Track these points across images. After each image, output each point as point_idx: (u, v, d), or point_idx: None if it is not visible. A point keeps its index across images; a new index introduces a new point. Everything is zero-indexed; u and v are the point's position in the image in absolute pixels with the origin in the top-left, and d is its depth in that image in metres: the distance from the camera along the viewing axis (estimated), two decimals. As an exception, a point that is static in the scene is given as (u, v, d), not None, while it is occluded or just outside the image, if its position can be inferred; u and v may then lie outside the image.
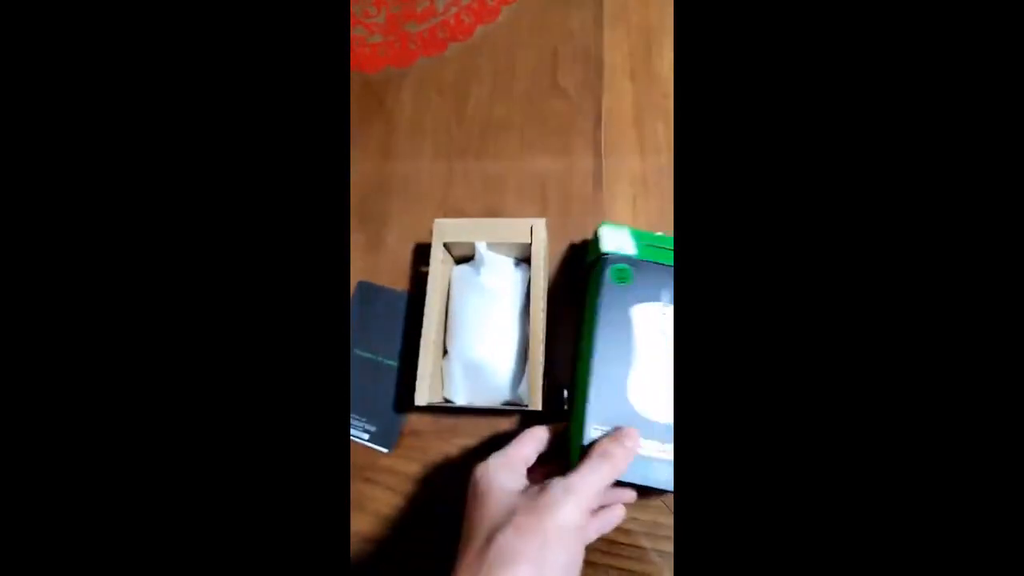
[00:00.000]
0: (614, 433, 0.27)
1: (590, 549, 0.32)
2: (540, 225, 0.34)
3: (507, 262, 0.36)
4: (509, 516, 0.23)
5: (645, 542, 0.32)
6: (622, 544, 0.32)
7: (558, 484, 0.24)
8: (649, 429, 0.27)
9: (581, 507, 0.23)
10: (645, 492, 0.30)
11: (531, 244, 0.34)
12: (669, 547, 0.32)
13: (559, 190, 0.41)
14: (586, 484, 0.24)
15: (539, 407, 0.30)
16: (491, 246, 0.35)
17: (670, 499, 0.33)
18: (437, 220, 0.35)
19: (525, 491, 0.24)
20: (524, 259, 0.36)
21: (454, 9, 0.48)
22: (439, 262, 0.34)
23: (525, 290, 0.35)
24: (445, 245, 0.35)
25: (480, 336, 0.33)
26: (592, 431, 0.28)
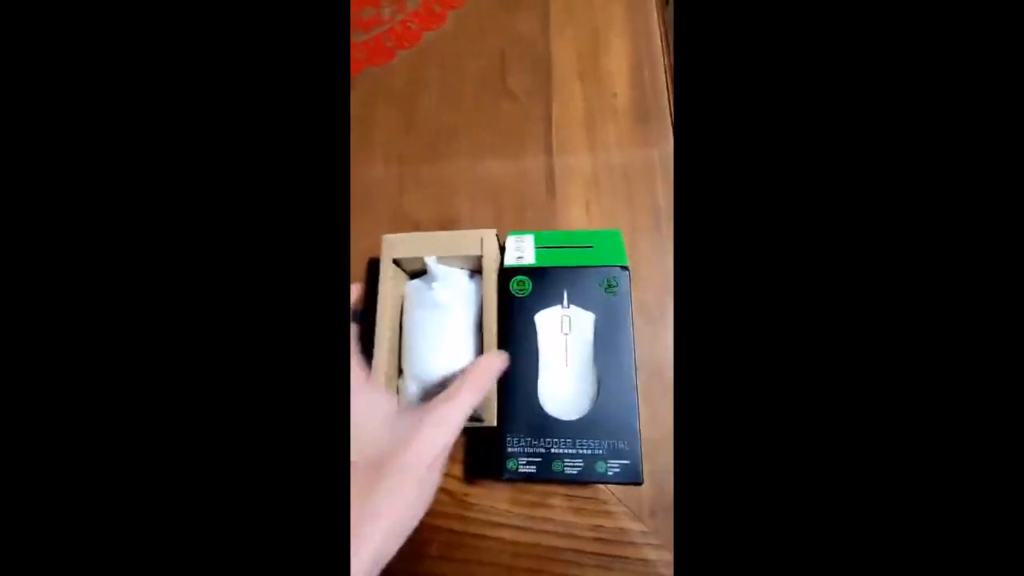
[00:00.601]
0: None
1: (590, 566, 0.32)
2: (490, 236, 0.33)
3: (461, 274, 0.35)
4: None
5: (651, 554, 0.31)
6: (627, 559, 0.32)
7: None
8: (561, 429, 0.28)
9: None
10: (562, 482, 0.32)
11: (482, 256, 0.33)
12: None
13: (513, 195, 0.40)
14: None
15: (494, 423, 0.30)
16: (443, 259, 0.34)
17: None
18: (385, 236, 0.34)
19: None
20: (478, 270, 0.35)
21: (400, 16, 0.48)
22: (389, 279, 0.33)
23: (479, 302, 0.34)
24: (395, 261, 0.34)
25: (435, 352, 0.33)
26: (511, 444, 0.28)
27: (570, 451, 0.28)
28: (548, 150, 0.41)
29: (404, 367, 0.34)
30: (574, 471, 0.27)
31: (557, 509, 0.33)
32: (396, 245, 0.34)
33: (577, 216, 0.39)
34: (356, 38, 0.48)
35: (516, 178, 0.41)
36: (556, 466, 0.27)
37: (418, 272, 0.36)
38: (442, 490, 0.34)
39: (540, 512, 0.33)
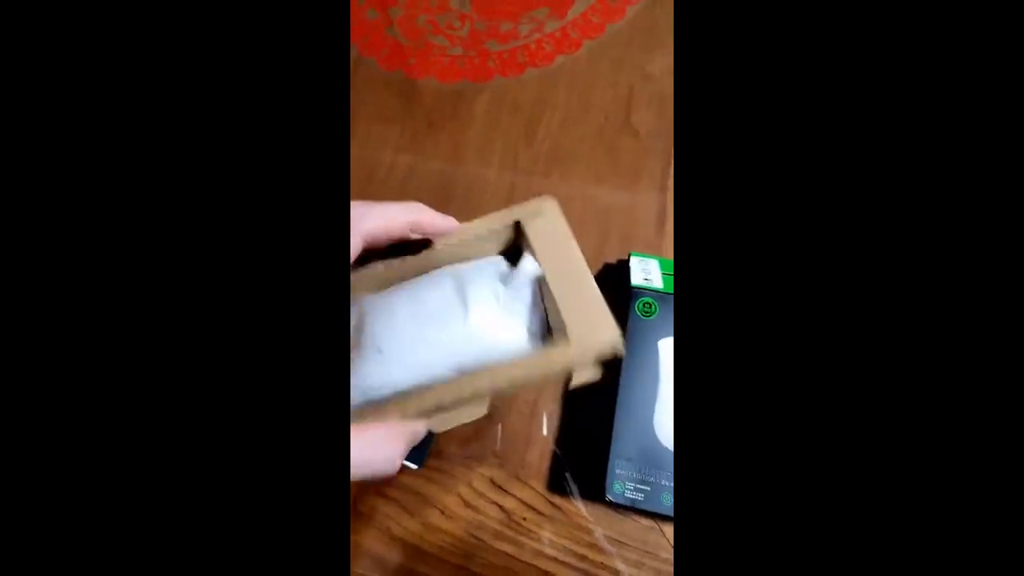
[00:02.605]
0: None
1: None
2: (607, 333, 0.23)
3: (533, 313, 0.26)
4: None
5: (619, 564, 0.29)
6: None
7: None
8: (673, 460, 0.27)
9: None
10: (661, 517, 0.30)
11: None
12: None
13: (620, 226, 0.40)
14: None
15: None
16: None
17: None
18: (548, 197, 0.26)
19: None
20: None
21: (537, 35, 0.49)
22: (482, 228, 0.26)
23: (502, 354, 0.25)
24: (518, 223, 0.26)
25: (411, 343, 0.26)
26: (618, 466, 0.27)
27: None
28: (663, 188, 0.41)
29: (374, 323, 0.26)
30: None
31: (617, 558, 0.31)
32: (538, 216, 0.24)
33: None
34: (491, 47, 0.49)
35: (627, 211, 0.41)
36: (665, 499, 0.26)
37: (510, 253, 0.27)
38: (499, 507, 0.33)
39: (599, 556, 0.31)
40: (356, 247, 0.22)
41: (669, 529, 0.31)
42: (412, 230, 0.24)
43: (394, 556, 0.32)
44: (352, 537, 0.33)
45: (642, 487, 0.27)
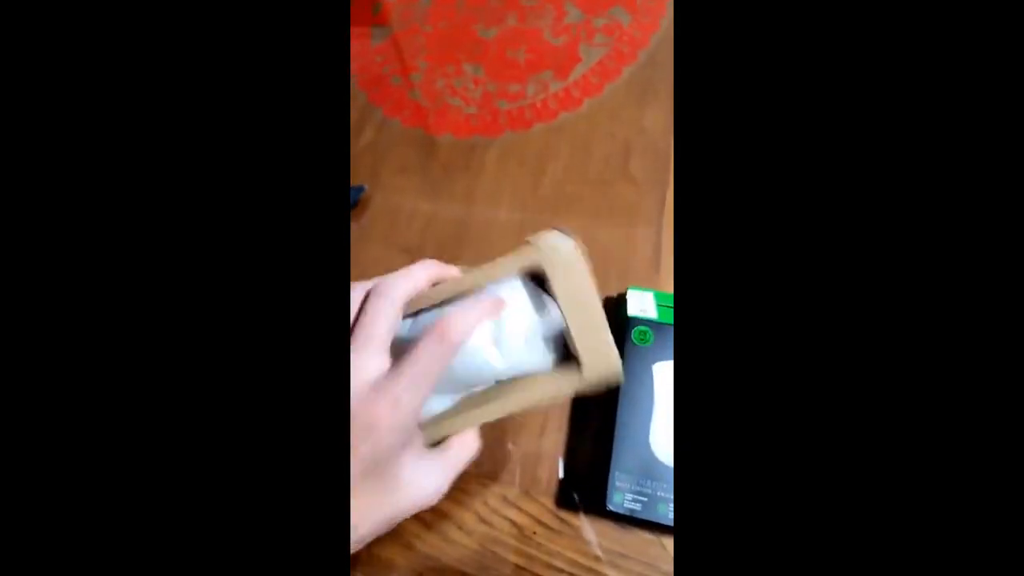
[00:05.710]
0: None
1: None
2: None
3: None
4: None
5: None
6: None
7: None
8: (670, 475, 0.31)
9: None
10: (662, 530, 0.32)
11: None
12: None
13: (619, 265, 0.44)
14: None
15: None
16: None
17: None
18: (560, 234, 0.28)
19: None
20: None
21: (542, 95, 0.55)
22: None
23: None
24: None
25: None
26: (619, 479, 0.30)
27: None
28: (658, 229, 0.46)
29: None
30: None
31: (618, 569, 0.33)
32: (557, 266, 0.25)
33: (677, 294, 0.42)
34: (500, 105, 0.55)
35: (625, 252, 0.45)
36: (661, 509, 0.29)
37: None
38: (512, 522, 0.36)
39: (604, 568, 0.34)
40: (396, 315, 0.26)
41: (669, 542, 0.34)
42: (430, 283, 0.28)
43: (417, 568, 0.35)
44: (378, 551, 0.36)
45: (640, 498, 0.30)
